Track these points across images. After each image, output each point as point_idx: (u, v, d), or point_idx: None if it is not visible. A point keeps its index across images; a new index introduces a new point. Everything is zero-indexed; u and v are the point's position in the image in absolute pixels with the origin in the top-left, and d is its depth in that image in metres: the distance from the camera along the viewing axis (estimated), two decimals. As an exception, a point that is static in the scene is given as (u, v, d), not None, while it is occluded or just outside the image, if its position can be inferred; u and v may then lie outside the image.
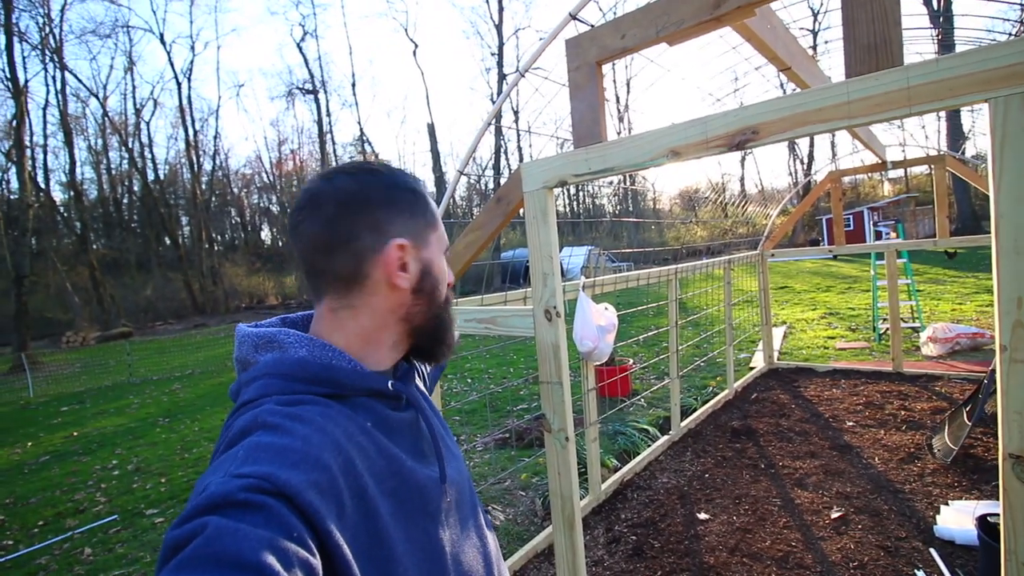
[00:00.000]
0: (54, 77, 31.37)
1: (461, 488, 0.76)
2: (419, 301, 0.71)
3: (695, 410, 4.55)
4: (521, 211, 1.89)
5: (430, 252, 0.73)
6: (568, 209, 40.06)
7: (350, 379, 0.64)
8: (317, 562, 0.45)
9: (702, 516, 2.94)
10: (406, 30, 51.89)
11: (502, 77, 34.98)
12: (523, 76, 2.08)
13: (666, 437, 4.03)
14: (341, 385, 0.63)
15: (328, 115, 39.05)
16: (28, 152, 29.69)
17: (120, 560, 3.48)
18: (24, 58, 27.26)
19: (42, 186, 30.46)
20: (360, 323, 0.68)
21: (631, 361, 6.21)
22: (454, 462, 0.76)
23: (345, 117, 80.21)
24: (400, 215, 0.69)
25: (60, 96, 31.37)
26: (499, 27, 35.34)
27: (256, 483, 0.46)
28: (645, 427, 4.40)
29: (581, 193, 40.02)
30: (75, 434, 7.11)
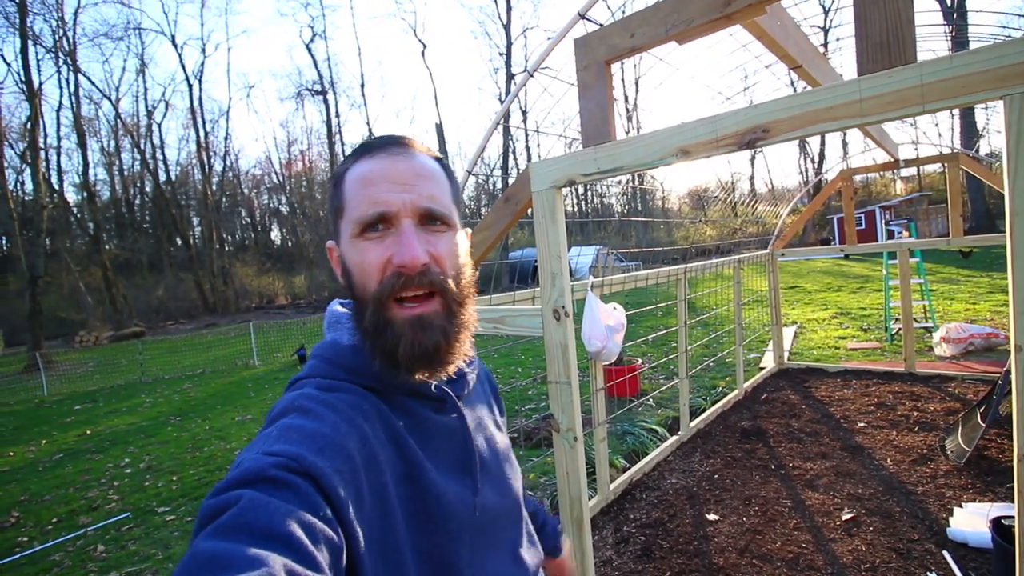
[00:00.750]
0: (67, 79, 31.84)
1: (499, 513, 0.69)
2: (351, 296, 0.65)
3: (704, 410, 4.53)
4: (529, 211, 1.89)
5: (343, 242, 0.64)
6: (576, 209, 40.02)
7: (388, 377, 0.62)
8: (341, 541, 0.47)
9: (711, 517, 2.92)
10: (414, 31, 52.15)
11: (510, 77, 34.98)
12: (532, 76, 2.08)
13: (675, 437, 4.01)
14: (380, 380, 0.62)
15: (337, 116, 39.29)
16: (42, 154, 30.11)
17: (132, 557, 3.52)
18: (38, 61, 27.63)
19: (56, 187, 30.89)
20: None
21: (640, 361, 6.18)
22: (497, 484, 0.70)
23: (354, 118, 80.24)
24: (329, 215, 0.67)
25: (73, 98, 31.81)
26: (507, 27, 35.36)
27: (285, 462, 0.47)
28: (654, 427, 4.38)
29: (589, 192, 39.96)
30: (88, 432, 7.20)
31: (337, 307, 0.70)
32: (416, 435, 0.62)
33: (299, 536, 0.42)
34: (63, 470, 5.58)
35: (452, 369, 0.65)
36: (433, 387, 0.65)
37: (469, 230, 0.72)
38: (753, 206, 6.84)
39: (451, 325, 0.63)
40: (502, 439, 0.78)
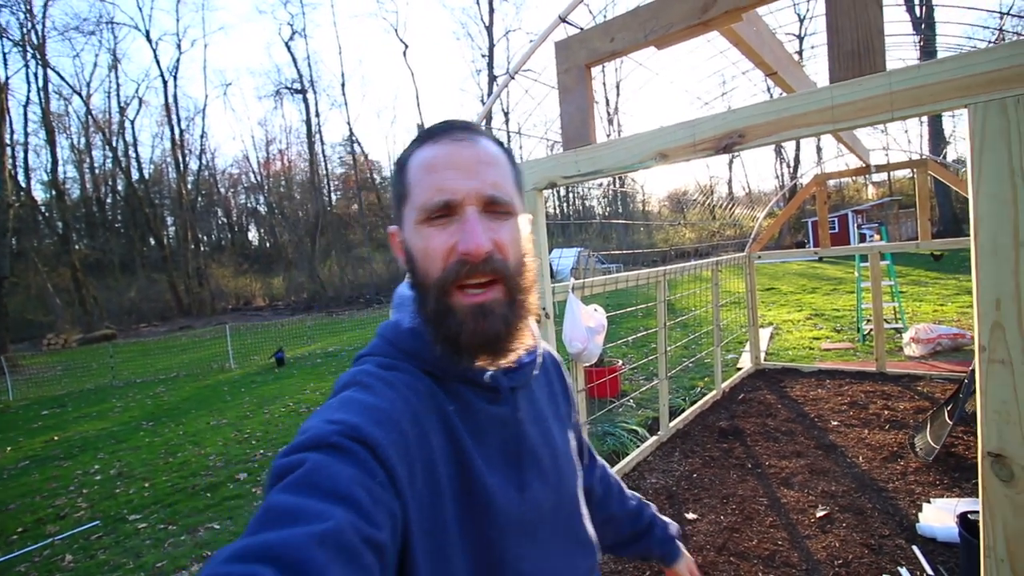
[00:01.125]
0: (36, 74, 30.93)
1: (549, 508, 0.68)
2: (414, 282, 0.65)
3: (683, 411, 4.58)
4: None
5: (406, 228, 0.64)
6: (558, 210, 40.18)
7: (446, 362, 0.63)
8: (397, 506, 0.50)
9: (690, 516, 2.96)
10: (396, 30, 51.88)
11: (492, 79, 35.01)
12: (513, 78, 2.08)
13: (655, 438, 4.05)
14: (437, 365, 0.64)
15: (317, 115, 38.82)
16: (8, 150, 29.18)
17: (102, 567, 3.42)
18: (5, 54, 26.83)
19: (23, 185, 29.94)
20: None
21: (620, 362, 6.23)
22: (548, 479, 0.69)
23: (334, 117, 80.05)
24: (393, 200, 0.69)
25: (42, 93, 30.92)
26: (489, 29, 35.39)
27: (346, 430, 0.50)
28: (634, 428, 4.42)
29: (571, 195, 40.17)
30: (56, 438, 6.98)
31: (404, 289, 0.71)
32: (466, 423, 0.63)
33: (361, 496, 0.45)
34: (29, 478, 5.40)
35: (513, 356, 0.66)
36: (487, 377, 0.65)
37: (530, 215, 0.71)
38: (731, 209, 6.96)
39: (512, 313, 0.62)
40: (561, 433, 0.77)
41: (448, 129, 0.64)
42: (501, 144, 0.69)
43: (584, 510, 0.78)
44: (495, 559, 0.60)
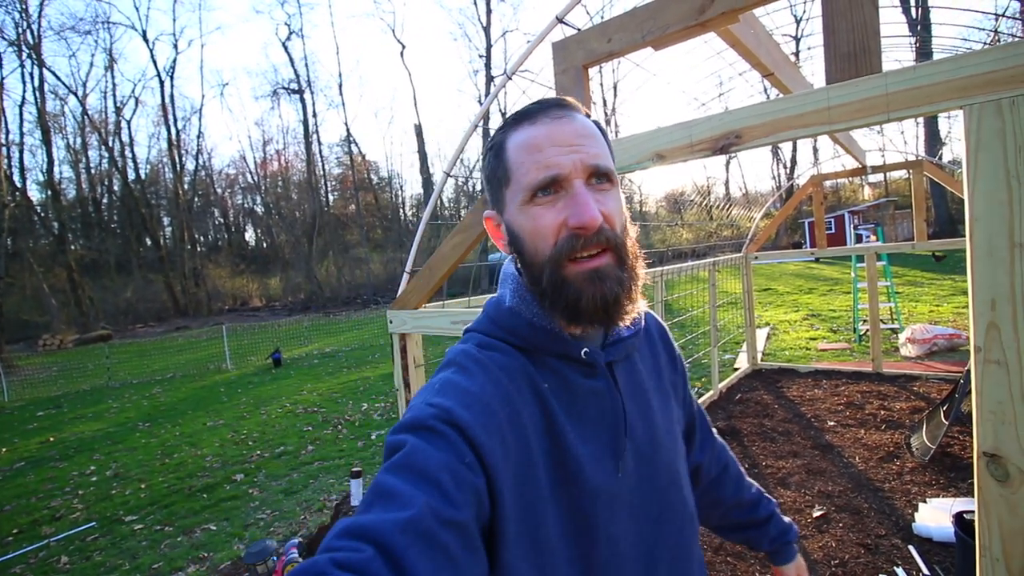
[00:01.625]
0: (32, 74, 30.79)
1: (645, 481, 0.70)
2: (520, 264, 0.68)
3: (680, 411, 4.58)
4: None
5: (508, 212, 0.67)
6: (555, 211, 39.99)
7: (541, 340, 0.67)
8: (482, 482, 0.55)
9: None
10: (393, 31, 51.73)
11: (490, 79, 35.01)
12: (510, 79, 2.08)
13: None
14: (532, 343, 0.67)
15: (314, 115, 38.69)
16: (4, 150, 29.05)
17: (98, 568, 3.40)
18: (0, 54, 26.66)
19: (18, 185, 29.79)
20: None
21: (617, 363, 6.22)
22: (644, 453, 0.71)
23: (332, 117, 79.70)
24: (488, 184, 0.70)
25: (38, 93, 30.76)
26: (487, 29, 35.38)
27: (441, 414, 0.57)
28: (631, 428, 4.42)
29: (568, 195, 40.03)
30: (51, 439, 6.95)
31: (509, 267, 0.74)
32: (560, 396, 0.65)
33: (446, 480, 0.52)
34: (25, 479, 5.38)
35: (628, 320, 0.67)
36: (583, 352, 0.67)
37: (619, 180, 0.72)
38: (728, 210, 6.97)
39: (626, 276, 0.64)
40: (663, 405, 0.78)
41: (544, 107, 0.65)
42: (593, 119, 0.70)
43: (685, 483, 0.78)
44: (586, 524, 0.63)
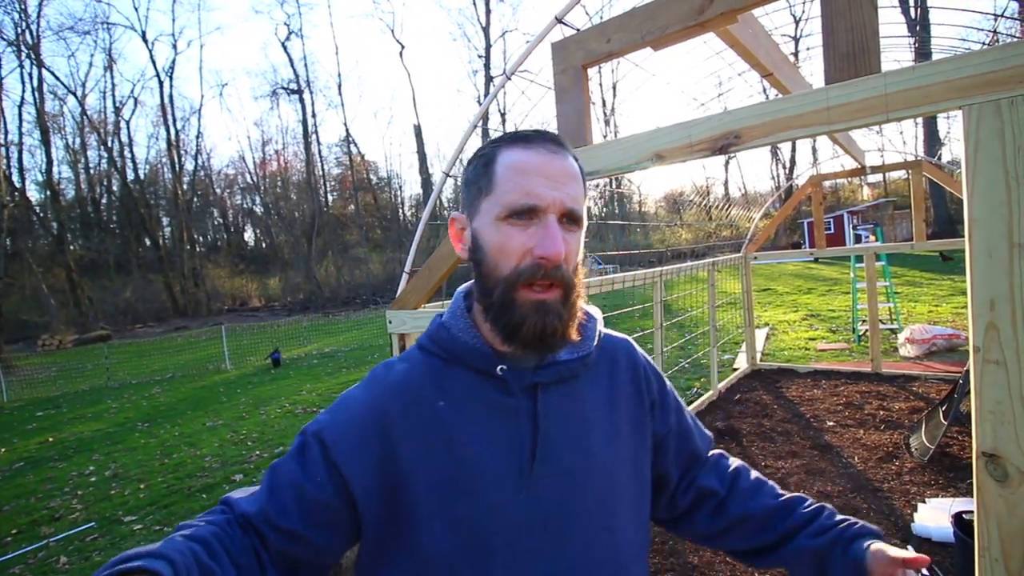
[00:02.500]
0: (31, 74, 30.79)
1: (564, 511, 0.68)
2: (476, 272, 0.71)
3: (680, 411, 4.58)
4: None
5: (478, 220, 0.69)
6: (554, 211, 39.96)
7: (463, 353, 0.70)
8: (333, 497, 0.64)
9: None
10: (392, 31, 51.84)
11: (489, 79, 35.02)
12: (509, 79, 2.08)
13: (651, 438, 4.05)
14: (455, 355, 0.71)
15: (313, 115, 38.72)
16: (3, 150, 29.03)
17: (97, 568, 3.40)
18: (-1, 54, 26.63)
19: (17, 185, 29.77)
20: (475, 295, 0.74)
21: (617, 363, 6.22)
22: (568, 481, 0.69)
23: (331, 117, 79.75)
24: (464, 188, 0.73)
25: (37, 93, 30.77)
26: (486, 29, 35.40)
27: (318, 431, 0.67)
28: (630, 428, 4.42)
29: (567, 195, 40.02)
30: (51, 439, 6.94)
31: (462, 293, 0.78)
32: (467, 409, 0.68)
33: (288, 496, 0.64)
34: (24, 479, 5.37)
35: (559, 350, 0.70)
36: (499, 370, 0.69)
37: (586, 223, 0.74)
38: (727, 210, 6.98)
39: (566, 312, 0.67)
40: (608, 439, 0.74)
41: (541, 138, 0.69)
42: (578, 161, 0.73)
43: (627, 523, 0.74)
44: (481, 541, 0.64)
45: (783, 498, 0.85)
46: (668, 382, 0.89)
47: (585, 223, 0.72)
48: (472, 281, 0.75)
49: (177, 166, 37.02)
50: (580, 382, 0.75)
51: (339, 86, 44.22)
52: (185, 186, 37.82)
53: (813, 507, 0.83)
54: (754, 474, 0.90)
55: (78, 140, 34.81)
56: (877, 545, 0.74)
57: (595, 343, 0.77)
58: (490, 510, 0.65)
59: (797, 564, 0.80)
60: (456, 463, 0.65)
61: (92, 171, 35.83)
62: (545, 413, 0.69)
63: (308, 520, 0.63)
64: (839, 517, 0.81)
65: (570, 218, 0.67)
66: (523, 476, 0.66)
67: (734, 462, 0.93)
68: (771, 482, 0.90)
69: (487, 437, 0.67)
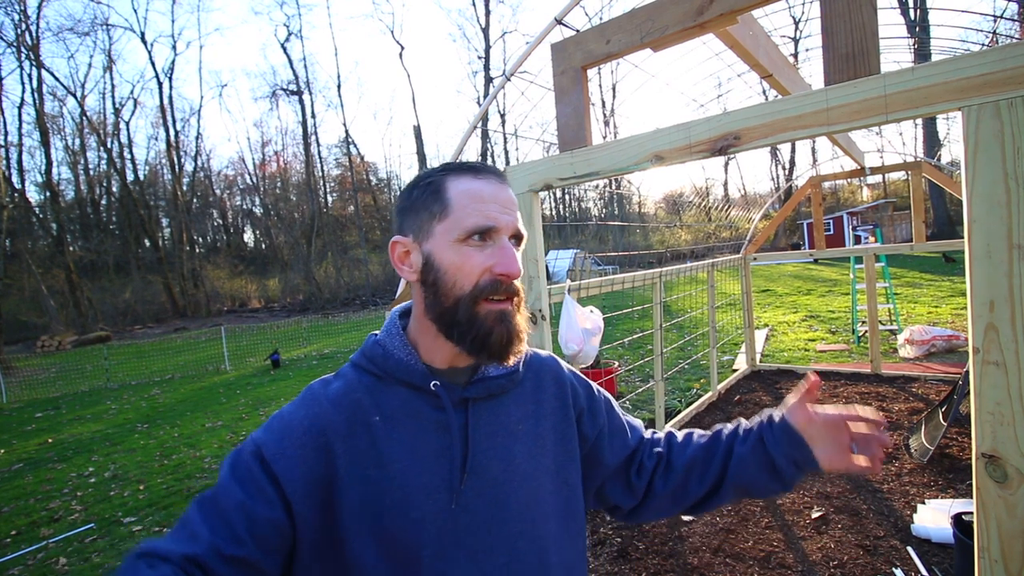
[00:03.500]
0: (30, 75, 30.75)
1: (493, 521, 0.72)
2: (428, 292, 0.73)
3: (679, 412, 4.59)
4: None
5: (432, 243, 0.72)
6: (554, 212, 40.20)
7: (395, 369, 0.74)
8: (281, 514, 0.64)
9: (685, 517, 2.96)
10: (392, 32, 51.90)
11: (488, 80, 35.04)
12: (509, 80, 2.08)
13: (651, 439, 4.05)
14: (387, 371, 0.74)
15: (313, 116, 38.69)
16: (2, 151, 29.03)
17: (96, 570, 3.40)
18: (-1, 55, 26.63)
19: (17, 186, 29.75)
20: (415, 314, 0.77)
21: (616, 364, 6.24)
22: (497, 492, 0.73)
23: (330, 118, 79.79)
24: (409, 212, 0.76)
25: (36, 94, 30.70)
26: (486, 30, 35.42)
27: (256, 450, 0.67)
28: (630, 429, 4.42)
29: (567, 196, 40.20)
30: (50, 441, 6.93)
31: (396, 313, 0.82)
32: (400, 424, 0.71)
33: (237, 519, 0.62)
34: (23, 480, 5.36)
35: (515, 359, 0.75)
36: (432, 385, 0.73)
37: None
38: (726, 211, 6.98)
39: (520, 321, 0.74)
40: (534, 452, 0.79)
41: (488, 170, 0.76)
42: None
43: (556, 533, 0.78)
44: (409, 555, 0.67)
45: (708, 434, 0.94)
46: (599, 389, 0.95)
47: (524, 243, 0.79)
48: (409, 302, 0.81)
49: (177, 167, 37.02)
50: (507, 397, 0.79)
51: (339, 87, 44.33)
52: (185, 187, 37.81)
53: (731, 425, 0.93)
54: (680, 432, 0.98)
55: (78, 141, 34.80)
56: (786, 406, 0.86)
57: (522, 361, 0.83)
58: (419, 523, 0.67)
59: (748, 472, 0.86)
60: (387, 478, 0.67)
61: (92, 172, 35.83)
62: (475, 426, 0.74)
63: (262, 545, 0.62)
64: (752, 420, 0.92)
65: (517, 240, 0.75)
66: (454, 488, 0.70)
67: (662, 432, 1.00)
68: (695, 430, 0.97)
69: (419, 452, 0.70)
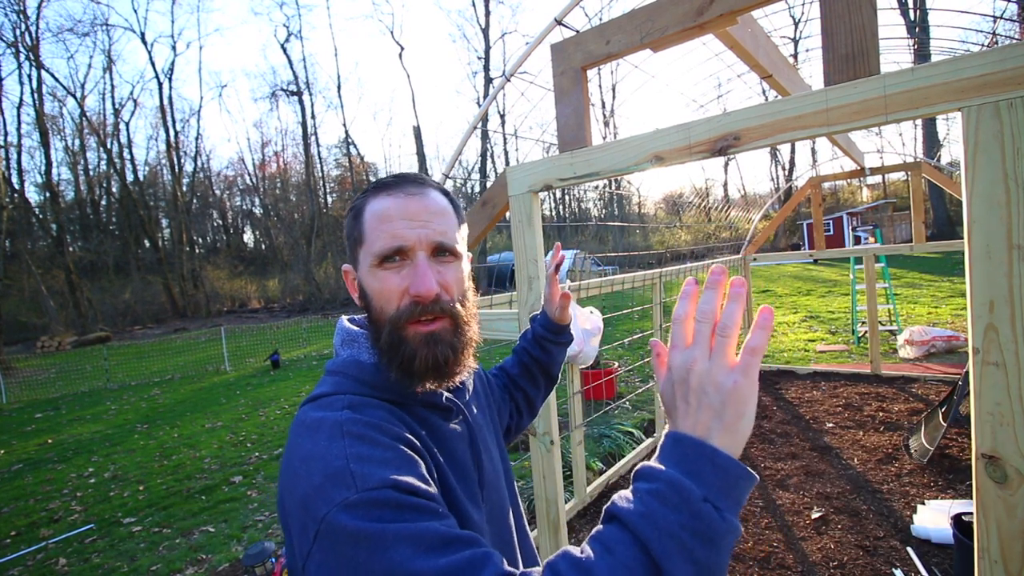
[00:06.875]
0: (30, 75, 30.75)
1: (496, 504, 0.78)
2: (367, 318, 0.73)
3: (679, 413, 4.58)
4: (507, 215, 1.89)
5: (360, 270, 0.72)
6: (554, 213, 40.19)
7: (405, 390, 0.70)
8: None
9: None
10: (392, 32, 51.84)
11: (488, 81, 35.03)
12: (509, 80, 2.08)
13: (651, 439, 4.05)
14: (400, 394, 0.70)
15: (313, 117, 38.68)
16: (2, 152, 29.02)
17: (96, 570, 3.39)
18: (-2, 56, 26.63)
19: (16, 187, 29.73)
20: None
21: (616, 364, 6.23)
22: (495, 481, 0.80)
23: (330, 119, 79.86)
24: (347, 240, 0.75)
25: (36, 95, 30.68)
26: (485, 31, 35.41)
27: (392, 484, 0.54)
28: (630, 430, 4.42)
29: (567, 197, 40.20)
30: (50, 441, 6.93)
31: (349, 324, 0.76)
32: (437, 442, 0.70)
33: (441, 528, 0.53)
34: (23, 480, 5.36)
35: (459, 379, 0.73)
36: (444, 399, 0.73)
37: (470, 253, 0.80)
38: (726, 212, 6.99)
39: (458, 341, 0.70)
40: (497, 439, 0.89)
41: (401, 182, 0.71)
42: (448, 195, 0.75)
43: (517, 502, 0.87)
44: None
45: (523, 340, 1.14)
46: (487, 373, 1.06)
47: (464, 253, 0.75)
48: (347, 320, 0.82)
49: (176, 168, 37.00)
50: (472, 398, 0.84)
51: (338, 88, 44.27)
52: (184, 188, 37.80)
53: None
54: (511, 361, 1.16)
55: (77, 142, 34.78)
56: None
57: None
58: (476, 531, 0.68)
59: (534, 355, 1.12)
60: (449, 491, 0.67)
61: (91, 173, 35.79)
62: (476, 432, 0.78)
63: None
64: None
65: (441, 251, 0.70)
66: (478, 495, 0.73)
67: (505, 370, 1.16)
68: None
69: (455, 462, 0.71)
